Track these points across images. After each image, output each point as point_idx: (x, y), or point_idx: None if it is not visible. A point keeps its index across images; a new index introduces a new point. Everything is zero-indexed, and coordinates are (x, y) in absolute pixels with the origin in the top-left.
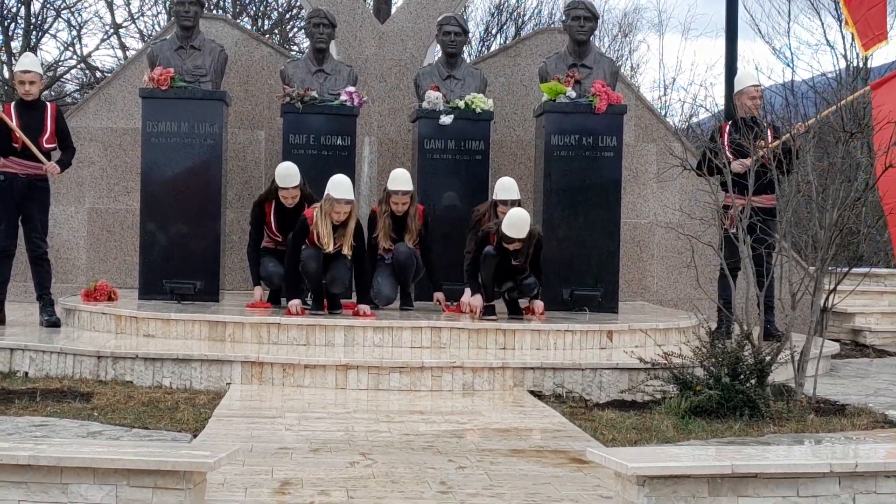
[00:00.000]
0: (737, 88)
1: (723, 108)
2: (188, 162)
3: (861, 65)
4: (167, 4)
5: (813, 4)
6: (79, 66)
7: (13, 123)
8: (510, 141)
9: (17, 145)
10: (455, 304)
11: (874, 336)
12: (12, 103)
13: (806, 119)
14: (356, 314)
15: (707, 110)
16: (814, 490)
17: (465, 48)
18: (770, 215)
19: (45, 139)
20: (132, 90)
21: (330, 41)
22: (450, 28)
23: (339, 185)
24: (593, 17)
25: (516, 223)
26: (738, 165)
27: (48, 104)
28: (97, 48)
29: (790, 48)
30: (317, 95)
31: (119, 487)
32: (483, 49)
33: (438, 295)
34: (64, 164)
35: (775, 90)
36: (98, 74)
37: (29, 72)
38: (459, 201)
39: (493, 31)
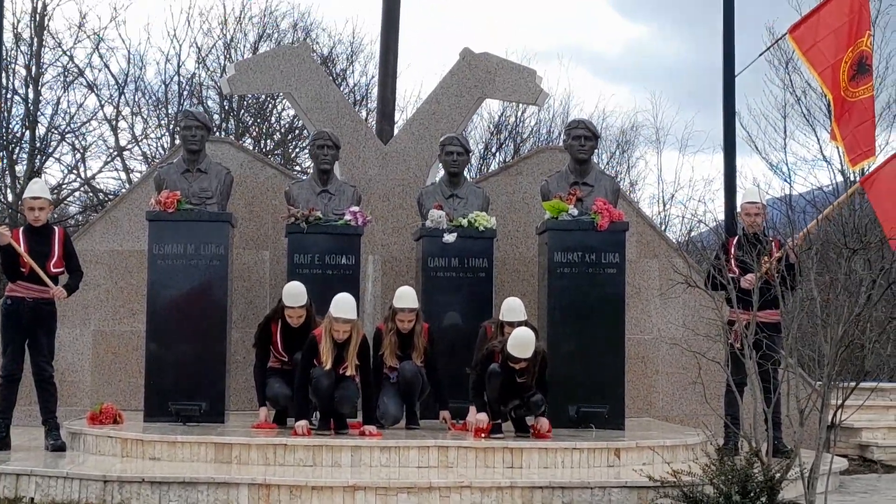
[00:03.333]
0: (738, 205)
1: (722, 221)
2: (194, 283)
3: (857, 178)
4: (171, 127)
5: (808, 121)
6: (82, 189)
7: (21, 249)
8: (513, 258)
9: (24, 270)
10: (461, 422)
11: (881, 451)
12: (20, 228)
13: (805, 229)
14: (362, 434)
15: (706, 225)
16: None
17: (466, 167)
18: (774, 331)
19: (52, 263)
20: (138, 213)
21: (334, 162)
22: (452, 148)
23: (339, 304)
24: (594, 136)
25: (521, 343)
26: (744, 282)
27: (56, 228)
28: (101, 171)
29: (787, 163)
30: (321, 215)
31: None
32: (483, 167)
33: (445, 413)
34: (71, 287)
35: (774, 205)
36: (101, 196)
37: (39, 198)
38: (463, 319)
39: (493, 150)
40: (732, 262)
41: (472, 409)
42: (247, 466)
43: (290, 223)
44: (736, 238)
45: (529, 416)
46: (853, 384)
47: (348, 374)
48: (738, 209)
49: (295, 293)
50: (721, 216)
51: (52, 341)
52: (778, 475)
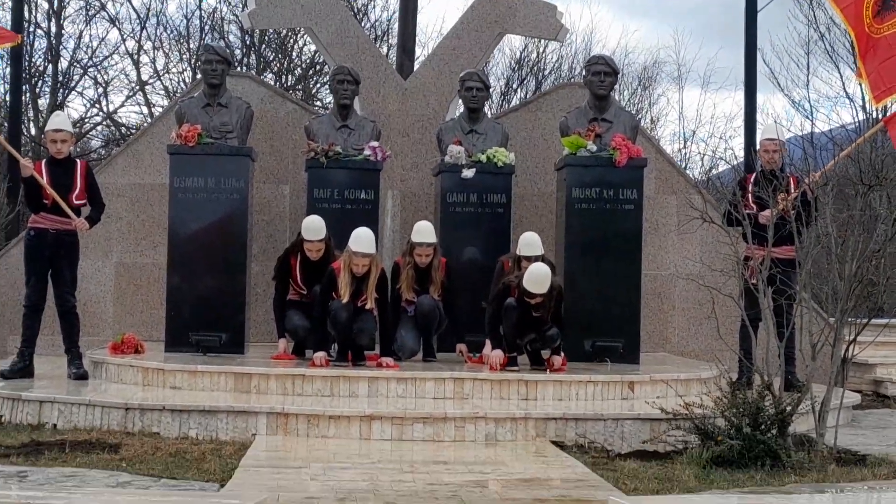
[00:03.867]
0: (757, 141)
1: (742, 160)
2: (214, 216)
3: (880, 116)
4: (192, 62)
5: (832, 58)
6: (105, 123)
7: (44, 181)
8: (531, 194)
9: (47, 202)
10: (478, 355)
11: (895, 387)
12: (43, 161)
13: (823, 167)
14: (380, 366)
15: (727, 163)
16: None
17: (486, 103)
18: (790, 267)
19: (74, 196)
20: (159, 146)
21: (354, 97)
22: (472, 84)
23: (358, 239)
24: (613, 72)
25: (537, 279)
26: (762, 218)
27: (78, 161)
28: (123, 105)
29: (809, 100)
30: (341, 150)
31: None
32: (504, 103)
33: (461, 346)
34: (93, 219)
35: (795, 142)
36: (123, 131)
37: (61, 130)
38: (481, 254)
39: (514, 86)
40: (750, 198)
41: (489, 342)
42: (265, 396)
43: (310, 158)
44: (754, 175)
45: (545, 349)
46: (866, 320)
47: (367, 307)
48: (757, 146)
49: (314, 227)
50: (741, 153)
51: (74, 272)
52: (789, 408)
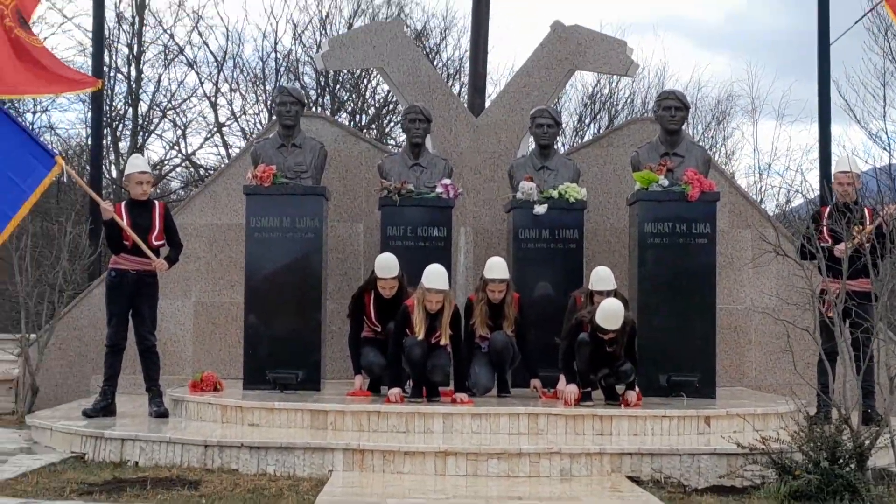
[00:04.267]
0: (832, 174)
1: (818, 193)
2: (290, 255)
3: None
4: (268, 103)
5: None
6: (183, 165)
7: (124, 223)
8: (604, 229)
9: (127, 243)
10: (552, 390)
11: None
12: (123, 203)
13: None
14: (454, 402)
15: (803, 195)
16: None
17: (557, 139)
18: (866, 299)
19: (153, 236)
20: (236, 187)
21: (426, 135)
22: (542, 120)
23: (431, 275)
24: (684, 107)
25: (610, 315)
26: (837, 251)
27: (156, 203)
28: (201, 147)
29: (886, 132)
30: (413, 188)
31: None
32: (577, 138)
33: (535, 382)
34: (171, 260)
35: (872, 174)
36: (202, 172)
37: (145, 172)
38: (554, 290)
39: (587, 121)
40: (825, 231)
41: (562, 377)
42: (341, 432)
43: (383, 196)
44: (828, 208)
45: (619, 384)
46: None
47: (441, 343)
48: (832, 178)
49: (387, 265)
50: (816, 186)
51: (154, 312)
52: (867, 442)
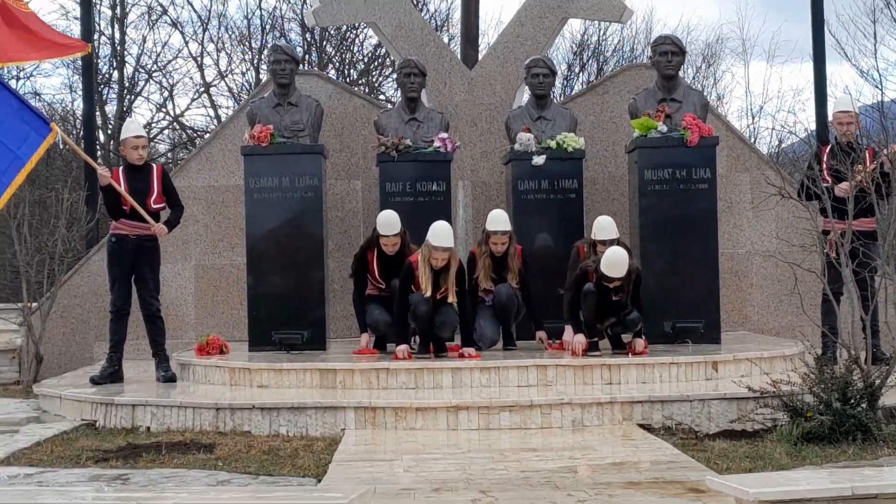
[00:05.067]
0: (830, 114)
1: (814, 131)
2: (290, 215)
3: None
4: (255, 62)
5: None
6: (171, 127)
7: (121, 188)
8: (602, 178)
9: (126, 208)
10: (557, 341)
11: None
12: (120, 168)
13: None
14: (461, 356)
15: (797, 136)
16: None
17: (552, 88)
18: (870, 238)
19: (152, 200)
20: (232, 148)
21: (421, 90)
22: (538, 70)
23: (437, 233)
24: (680, 51)
25: (615, 263)
26: (839, 191)
27: (154, 166)
28: (188, 108)
29: (878, 69)
30: (411, 143)
31: None
32: (566, 87)
33: (541, 334)
34: (172, 223)
35: (865, 112)
36: (190, 133)
37: (141, 137)
38: (554, 240)
39: (577, 70)
40: (825, 171)
41: (568, 328)
42: (351, 391)
43: (381, 152)
44: (829, 147)
45: (626, 333)
46: None
47: (449, 300)
48: (830, 118)
49: (389, 221)
50: (812, 126)
51: (157, 276)
52: (878, 381)
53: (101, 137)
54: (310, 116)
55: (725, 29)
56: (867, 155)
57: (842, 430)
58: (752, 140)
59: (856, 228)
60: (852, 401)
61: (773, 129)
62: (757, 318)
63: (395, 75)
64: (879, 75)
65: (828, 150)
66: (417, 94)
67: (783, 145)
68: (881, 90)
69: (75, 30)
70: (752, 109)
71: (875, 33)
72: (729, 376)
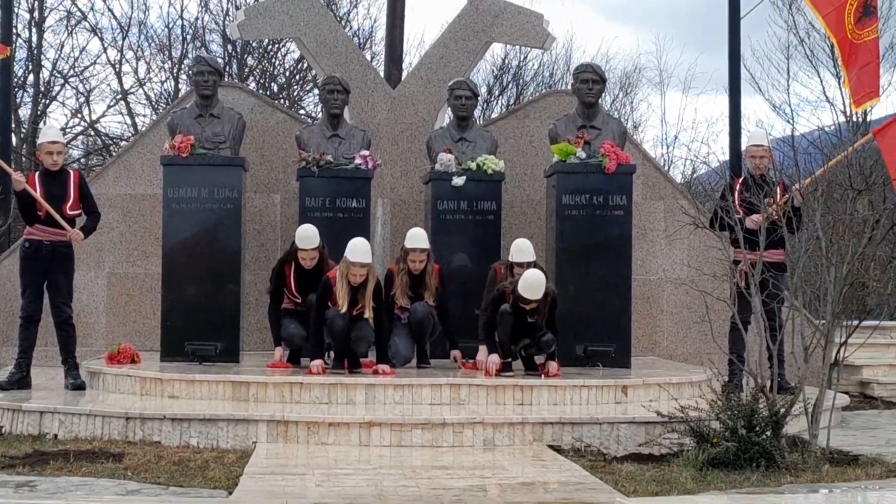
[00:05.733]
0: (743, 147)
1: (727, 162)
2: (208, 226)
3: (860, 119)
4: (174, 71)
5: (811, 62)
6: (86, 133)
7: (37, 193)
8: (521, 201)
9: (41, 213)
10: (471, 361)
11: (882, 388)
12: (36, 173)
13: (811, 174)
14: (376, 373)
15: (709, 166)
16: None
17: (474, 111)
18: (779, 270)
19: (68, 206)
20: (150, 157)
21: (344, 106)
22: (461, 92)
23: (356, 249)
24: (601, 79)
25: (532, 285)
26: (750, 222)
27: (71, 172)
28: (104, 114)
29: (790, 104)
30: (332, 160)
31: None
32: (486, 110)
33: (455, 352)
34: (88, 229)
35: (777, 146)
36: (105, 140)
37: (56, 142)
38: (472, 260)
39: (496, 93)
40: (738, 202)
41: (483, 348)
42: (264, 404)
43: (302, 167)
44: (742, 178)
45: (539, 354)
46: (856, 322)
47: (365, 315)
48: (744, 150)
49: (307, 235)
50: (725, 157)
51: (70, 283)
52: (783, 410)
53: (15, 141)
54: (231, 129)
55: (643, 59)
56: (779, 188)
57: (746, 456)
58: (667, 169)
59: (766, 260)
60: (757, 428)
61: (686, 158)
62: (666, 344)
63: (317, 90)
64: (791, 110)
65: (740, 182)
66: (340, 111)
67: (696, 174)
68: (792, 125)
69: None
70: (667, 138)
71: (788, 69)
72: (638, 400)
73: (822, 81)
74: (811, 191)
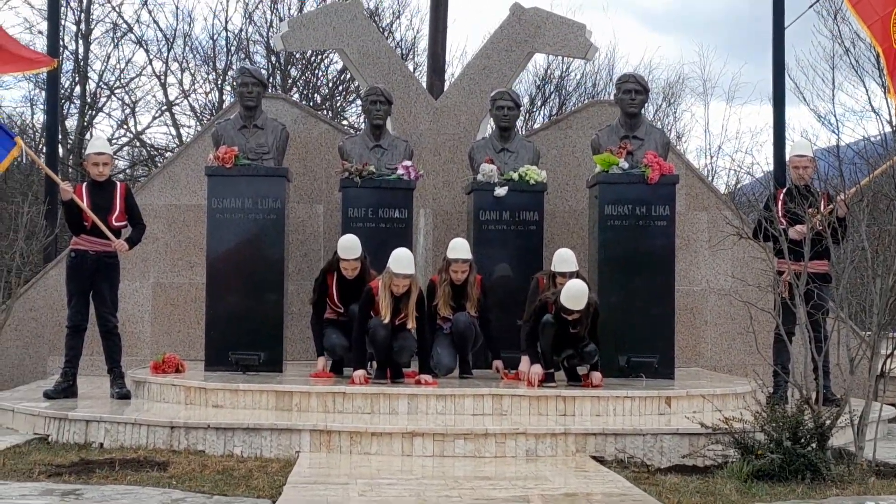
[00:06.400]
0: (787, 157)
1: (771, 172)
2: (251, 236)
3: None
4: (218, 82)
5: (857, 72)
6: (132, 144)
7: (83, 204)
8: (563, 211)
9: (87, 224)
10: (514, 371)
11: None
12: (83, 184)
13: (856, 184)
14: (418, 383)
15: (753, 177)
16: None
17: (516, 121)
18: (823, 281)
19: (114, 217)
20: (195, 168)
21: (387, 117)
22: (503, 103)
23: (399, 260)
24: (644, 90)
25: (575, 295)
26: (794, 233)
27: (118, 183)
28: (150, 125)
29: (835, 114)
30: (374, 170)
31: None
32: (528, 120)
33: (498, 363)
34: (133, 241)
35: (821, 156)
36: (150, 151)
37: (103, 153)
38: (514, 271)
39: (539, 103)
40: (782, 213)
41: (525, 358)
42: (307, 414)
43: (345, 178)
44: (785, 189)
45: (582, 365)
46: None
47: (408, 326)
48: (787, 161)
49: (349, 246)
50: (769, 167)
51: (115, 293)
52: (828, 422)
53: (61, 152)
54: (275, 140)
55: (686, 68)
56: (822, 198)
57: (791, 468)
58: (710, 179)
59: (810, 271)
60: (802, 440)
61: (730, 169)
62: (710, 356)
63: (359, 101)
64: (836, 120)
65: (784, 193)
66: (383, 122)
67: (739, 185)
68: (837, 135)
69: (39, 43)
70: (710, 149)
71: (833, 79)
72: (682, 412)
73: (867, 91)
74: (856, 201)
